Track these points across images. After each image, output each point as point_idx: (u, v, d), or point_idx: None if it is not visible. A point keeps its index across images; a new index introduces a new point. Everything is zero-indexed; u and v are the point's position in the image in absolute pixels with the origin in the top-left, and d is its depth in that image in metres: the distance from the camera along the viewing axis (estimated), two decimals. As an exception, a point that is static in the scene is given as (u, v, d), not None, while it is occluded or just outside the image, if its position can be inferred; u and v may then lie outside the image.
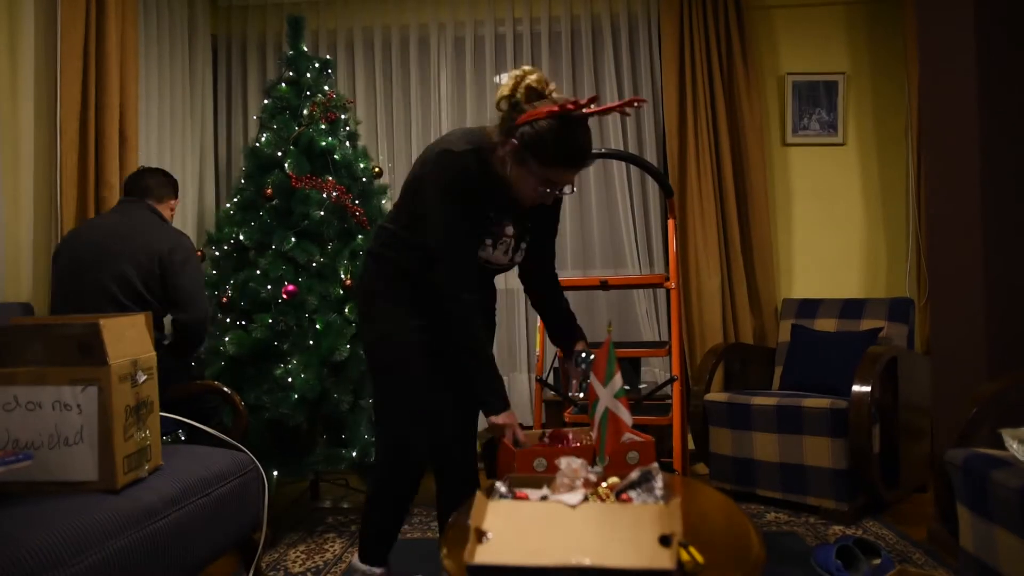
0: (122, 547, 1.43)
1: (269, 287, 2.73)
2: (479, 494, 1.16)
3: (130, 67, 2.85)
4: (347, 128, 3.07)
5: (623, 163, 3.70)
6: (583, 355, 1.89)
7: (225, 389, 2.19)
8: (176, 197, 2.62)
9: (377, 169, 3.06)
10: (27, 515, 1.38)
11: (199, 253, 2.60)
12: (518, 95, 1.63)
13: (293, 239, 2.80)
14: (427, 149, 1.74)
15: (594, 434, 1.63)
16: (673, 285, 2.69)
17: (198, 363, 2.76)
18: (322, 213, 2.82)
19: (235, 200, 2.95)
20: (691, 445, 3.25)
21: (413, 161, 3.88)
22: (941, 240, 2.45)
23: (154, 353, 1.73)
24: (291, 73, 3.03)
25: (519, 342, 3.74)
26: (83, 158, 2.63)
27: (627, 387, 3.38)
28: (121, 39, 2.80)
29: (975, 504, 1.65)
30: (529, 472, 1.60)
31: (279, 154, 2.88)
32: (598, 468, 1.53)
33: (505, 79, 1.68)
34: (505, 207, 1.75)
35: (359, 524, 1.91)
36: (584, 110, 1.60)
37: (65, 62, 2.57)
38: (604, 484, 1.33)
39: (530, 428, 3.33)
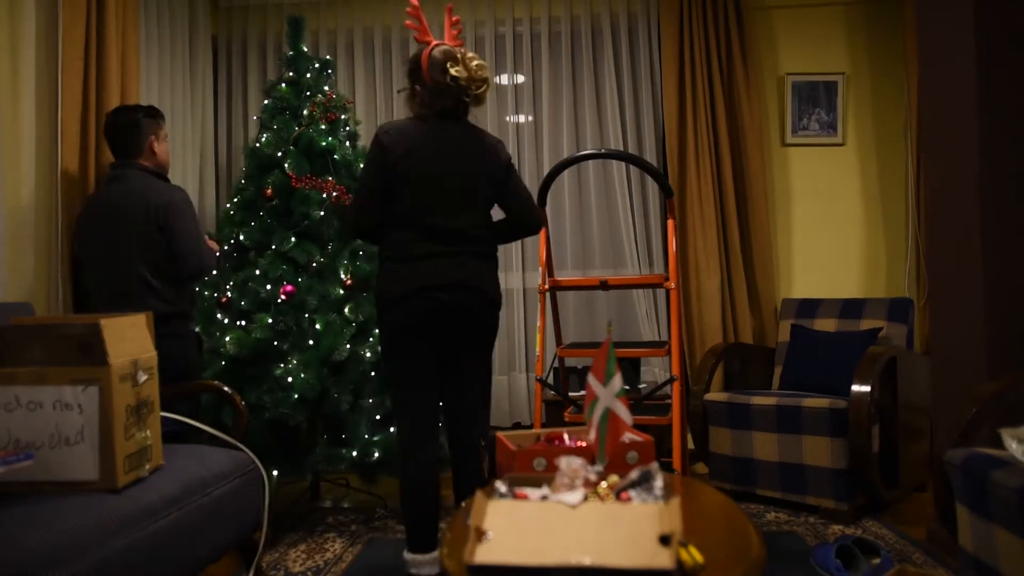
0: (122, 547, 1.44)
1: (269, 287, 2.74)
2: (479, 493, 1.16)
3: (131, 68, 2.85)
4: (347, 128, 3.07)
5: (623, 163, 3.70)
6: None
7: (226, 389, 2.19)
8: (159, 124, 2.53)
9: (377, 169, 3.06)
10: (28, 515, 1.38)
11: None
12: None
13: (293, 239, 2.81)
14: (488, 144, 2.14)
15: (592, 434, 1.63)
16: (673, 285, 2.69)
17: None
18: (322, 213, 2.83)
19: (235, 200, 2.95)
20: (691, 445, 3.25)
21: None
22: (940, 240, 2.45)
23: (155, 353, 1.74)
24: (291, 73, 3.03)
25: (518, 342, 3.74)
26: (84, 159, 2.63)
27: (627, 387, 3.39)
28: (122, 40, 2.80)
29: (975, 504, 1.65)
30: (529, 472, 1.60)
31: (279, 154, 2.88)
32: (598, 467, 1.53)
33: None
34: None
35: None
36: None
37: (66, 63, 2.57)
38: (604, 484, 1.33)
39: (529, 428, 3.33)
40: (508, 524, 1.10)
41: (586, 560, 1.01)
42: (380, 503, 3.08)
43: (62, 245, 2.53)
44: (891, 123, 3.70)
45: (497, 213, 2.18)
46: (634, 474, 1.30)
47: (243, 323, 2.74)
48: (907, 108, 3.60)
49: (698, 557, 1.10)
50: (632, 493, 1.26)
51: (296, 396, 2.60)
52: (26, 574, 1.21)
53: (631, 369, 3.43)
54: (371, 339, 2.79)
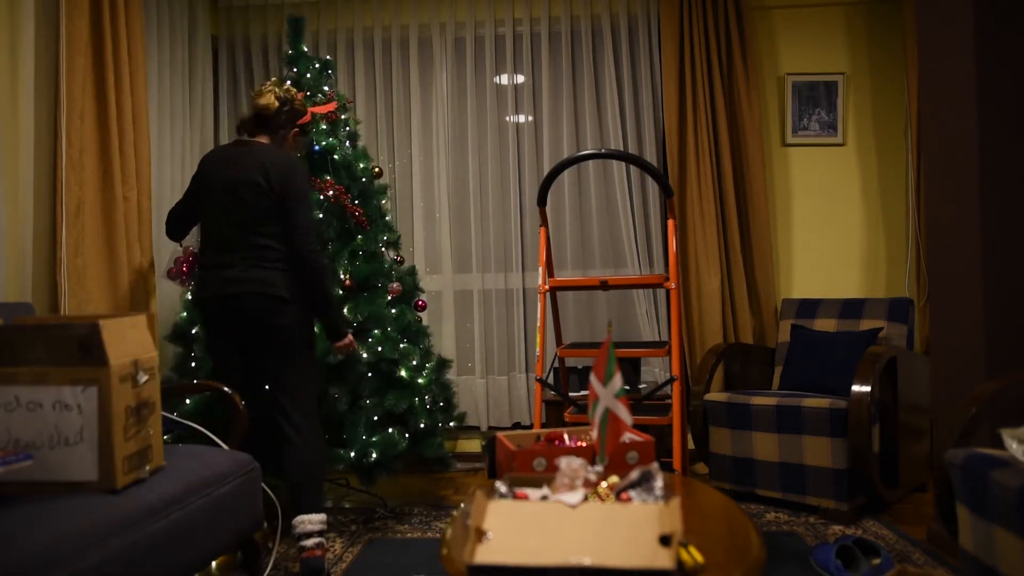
0: (122, 547, 1.43)
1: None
2: (479, 494, 1.16)
3: (138, 62, 2.84)
4: (347, 128, 3.07)
5: (623, 163, 3.70)
6: None
7: (225, 389, 2.19)
8: None
9: (377, 169, 3.07)
10: (27, 515, 1.38)
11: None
12: (296, 104, 2.47)
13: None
14: (280, 167, 2.29)
15: (594, 434, 1.63)
16: (673, 285, 2.69)
17: (196, 363, 2.76)
18: (321, 214, 2.82)
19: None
20: (691, 445, 3.25)
21: (411, 158, 3.88)
22: (940, 240, 2.45)
23: (155, 353, 1.74)
24: (291, 73, 3.03)
25: (518, 342, 3.74)
26: (85, 160, 2.63)
27: (627, 387, 3.39)
28: (127, 34, 2.79)
29: (975, 504, 1.65)
30: (529, 472, 1.60)
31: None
32: (598, 467, 1.53)
33: (269, 94, 2.41)
34: None
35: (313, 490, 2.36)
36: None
37: (70, 60, 2.56)
38: (604, 484, 1.33)
39: (529, 428, 3.33)
40: (508, 524, 1.10)
41: (586, 560, 1.01)
42: (380, 503, 3.08)
43: (62, 244, 2.53)
44: (891, 123, 3.69)
45: None
46: (634, 474, 1.30)
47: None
48: (907, 108, 3.60)
49: (698, 557, 1.10)
50: (632, 493, 1.27)
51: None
52: (26, 574, 1.21)
53: (631, 369, 3.43)
54: (370, 339, 2.79)
